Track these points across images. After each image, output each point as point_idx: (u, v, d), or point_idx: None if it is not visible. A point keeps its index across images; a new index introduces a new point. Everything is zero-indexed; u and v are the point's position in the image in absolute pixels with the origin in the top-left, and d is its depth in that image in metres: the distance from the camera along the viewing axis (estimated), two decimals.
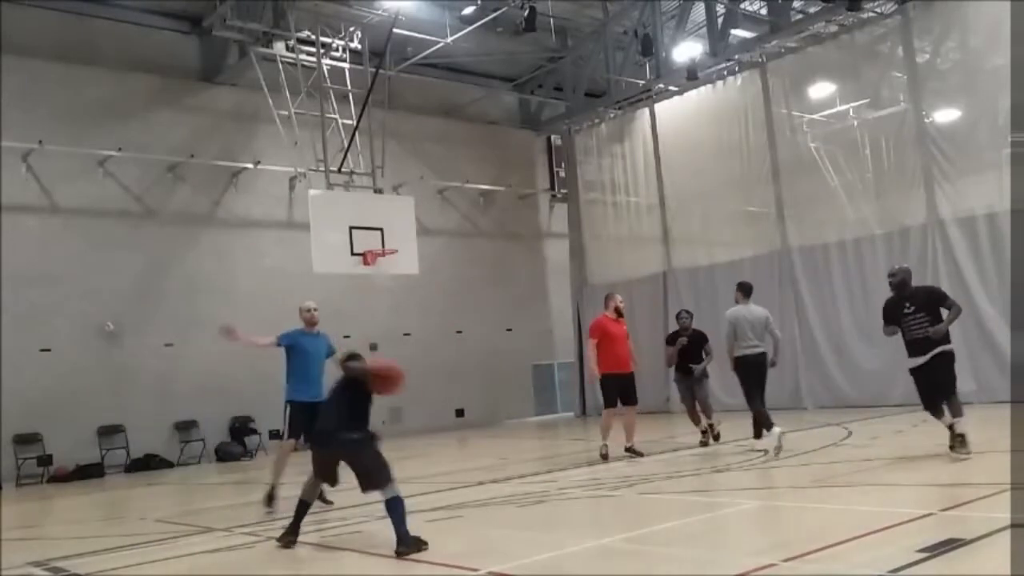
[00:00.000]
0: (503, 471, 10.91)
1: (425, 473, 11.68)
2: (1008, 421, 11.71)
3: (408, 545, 6.02)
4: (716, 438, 11.54)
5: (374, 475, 6.25)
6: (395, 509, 6.12)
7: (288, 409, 8.79)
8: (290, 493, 7.52)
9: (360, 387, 6.52)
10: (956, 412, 8.36)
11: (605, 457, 10.86)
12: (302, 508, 6.70)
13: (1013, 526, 5.19)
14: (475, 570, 5.35)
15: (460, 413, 20.80)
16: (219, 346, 17.88)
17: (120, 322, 16.71)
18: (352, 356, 6.80)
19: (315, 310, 9.15)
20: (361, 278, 16.62)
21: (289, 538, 6.66)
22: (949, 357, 8.48)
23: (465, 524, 7.38)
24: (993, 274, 14.38)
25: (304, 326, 9.12)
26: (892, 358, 15.54)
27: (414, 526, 6.11)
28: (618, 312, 11.47)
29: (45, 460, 15.52)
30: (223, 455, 17.22)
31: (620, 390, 11.11)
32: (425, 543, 6.07)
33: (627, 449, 11.01)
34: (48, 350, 15.93)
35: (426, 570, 5.60)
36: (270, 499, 8.60)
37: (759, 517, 6.72)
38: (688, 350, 11.69)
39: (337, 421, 6.48)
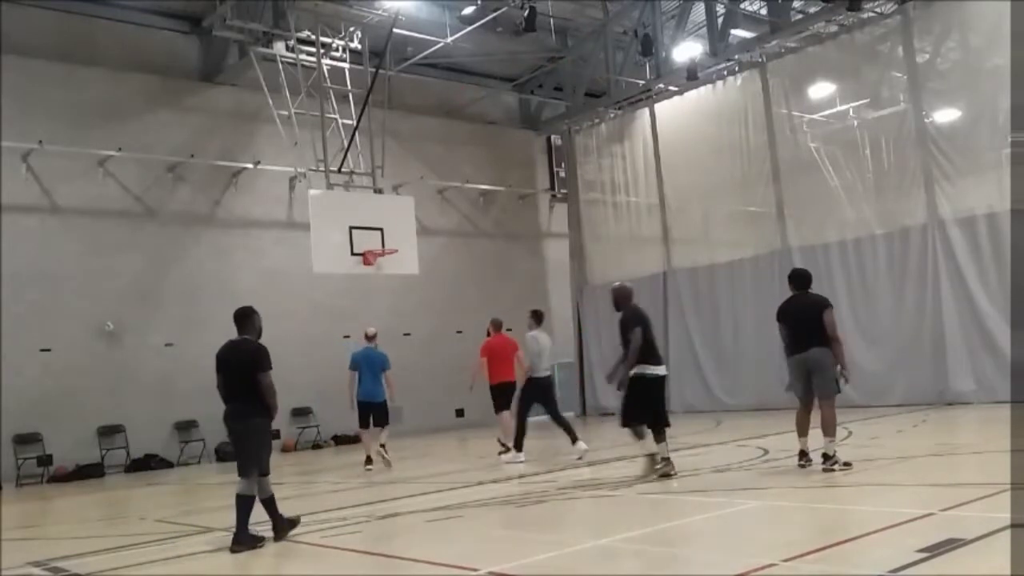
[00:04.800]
0: (503, 471, 10.91)
1: (425, 473, 11.71)
2: (1008, 421, 11.72)
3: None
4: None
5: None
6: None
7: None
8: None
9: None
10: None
11: (507, 450, 12.27)
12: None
13: (1013, 526, 5.19)
14: (475, 570, 5.35)
15: (460, 413, 20.78)
16: (219, 346, 18.00)
17: (120, 322, 16.71)
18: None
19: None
20: (361, 278, 16.61)
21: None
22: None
23: (465, 524, 7.38)
24: (993, 274, 14.37)
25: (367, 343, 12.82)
26: (892, 358, 15.66)
27: (415, 525, 6.11)
28: (497, 328, 13.14)
29: (45, 460, 15.51)
30: (223, 455, 17.19)
31: (505, 396, 12.83)
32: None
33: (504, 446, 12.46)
34: (48, 350, 15.93)
35: (426, 570, 5.60)
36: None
37: (759, 517, 6.71)
38: None
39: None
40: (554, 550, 5.88)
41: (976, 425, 12.33)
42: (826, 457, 8.21)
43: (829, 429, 8.30)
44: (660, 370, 8.81)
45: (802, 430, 8.57)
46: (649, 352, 8.72)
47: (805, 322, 8.42)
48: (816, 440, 8.45)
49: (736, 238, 18.65)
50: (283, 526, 7.03)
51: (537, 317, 12.38)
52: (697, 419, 16.69)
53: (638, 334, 8.65)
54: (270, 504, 7.02)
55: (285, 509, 7.26)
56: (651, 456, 8.80)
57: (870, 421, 13.05)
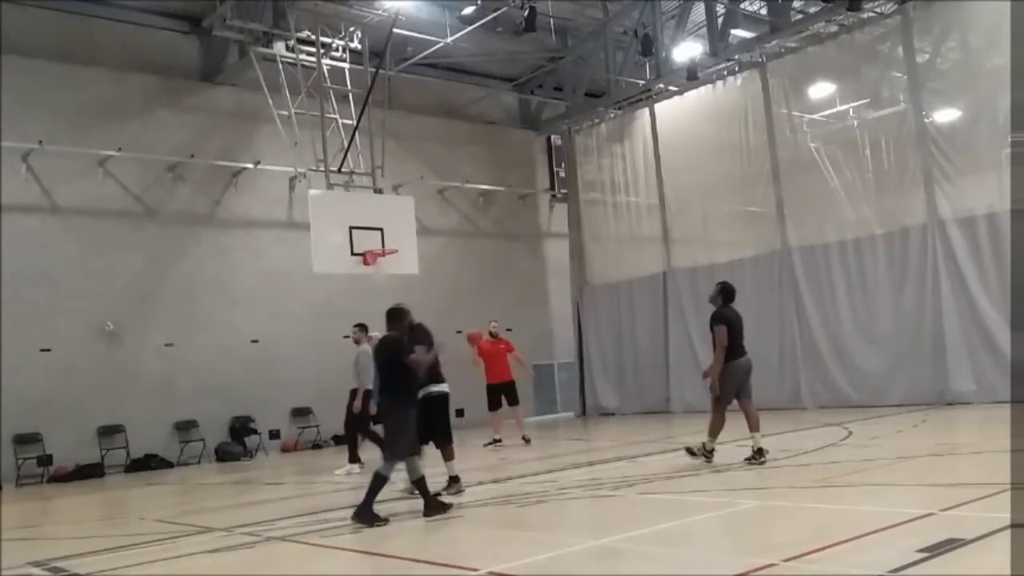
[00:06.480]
0: (503, 471, 10.91)
1: (425, 473, 11.67)
2: (1008, 421, 11.72)
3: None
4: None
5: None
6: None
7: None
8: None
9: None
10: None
11: (498, 442, 13.98)
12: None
13: (1013, 526, 5.19)
14: (475, 570, 5.35)
15: (460, 413, 20.67)
16: (219, 346, 18.07)
17: (120, 322, 16.70)
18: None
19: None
20: (361, 278, 16.61)
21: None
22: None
23: (465, 524, 7.38)
24: (993, 274, 14.36)
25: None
26: (892, 358, 15.66)
27: (415, 526, 6.11)
28: (492, 335, 14.50)
29: (45, 460, 15.51)
30: (223, 455, 17.22)
31: (502, 395, 14.26)
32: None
33: (522, 438, 13.95)
34: (48, 350, 15.92)
35: (426, 570, 5.60)
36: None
37: (759, 517, 6.71)
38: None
39: None
40: (554, 550, 5.88)
41: (976, 425, 12.33)
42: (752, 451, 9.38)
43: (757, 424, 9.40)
44: (443, 388, 9.11)
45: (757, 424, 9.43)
46: (434, 372, 8.96)
47: (741, 331, 9.50)
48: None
49: (736, 238, 18.63)
50: (434, 506, 7.43)
51: (366, 331, 12.46)
52: (697, 419, 16.65)
53: (431, 353, 8.76)
54: (420, 484, 7.51)
55: (286, 509, 7.28)
56: (454, 477, 8.96)
57: (870, 421, 13.06)
